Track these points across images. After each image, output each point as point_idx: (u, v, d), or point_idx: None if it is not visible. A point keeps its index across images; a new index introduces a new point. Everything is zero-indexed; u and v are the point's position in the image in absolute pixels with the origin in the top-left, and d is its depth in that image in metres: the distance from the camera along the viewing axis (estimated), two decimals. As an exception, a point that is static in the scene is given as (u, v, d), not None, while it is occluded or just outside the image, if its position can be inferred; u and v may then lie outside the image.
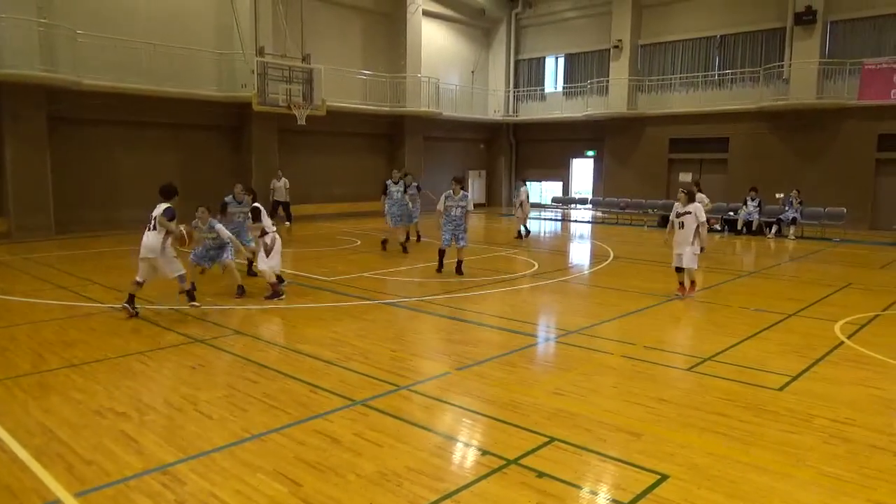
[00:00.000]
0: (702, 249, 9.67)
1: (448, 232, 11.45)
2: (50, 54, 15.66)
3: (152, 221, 8.08)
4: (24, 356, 6.46)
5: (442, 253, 11.64)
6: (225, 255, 9.62)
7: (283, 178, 18.42)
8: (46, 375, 5.90)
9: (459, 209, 11.40)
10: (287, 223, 17.99)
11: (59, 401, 5.26)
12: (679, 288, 9.83)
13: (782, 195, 18.86)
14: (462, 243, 11.44)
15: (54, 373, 5.98)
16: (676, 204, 9.78)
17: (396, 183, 14.37)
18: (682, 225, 9.58)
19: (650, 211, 21.95)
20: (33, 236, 15.53)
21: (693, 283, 9.85)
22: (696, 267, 9.69)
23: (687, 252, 9.47)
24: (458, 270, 11.43)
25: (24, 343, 6.93)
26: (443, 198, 11.55)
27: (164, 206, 8.06)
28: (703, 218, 9.60)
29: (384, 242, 14.56)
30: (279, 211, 18.20)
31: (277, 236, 9.42)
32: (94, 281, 10.51)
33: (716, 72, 23.41)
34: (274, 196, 18.46)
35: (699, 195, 13.22)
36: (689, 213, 9.52)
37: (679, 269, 9.72)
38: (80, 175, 17.29)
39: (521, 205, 17.50)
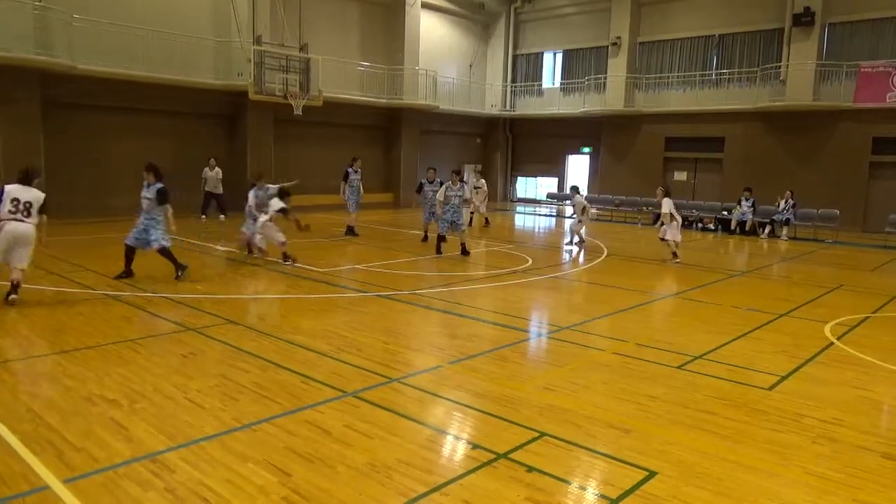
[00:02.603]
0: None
1: (447, 220, 12.74)
2: (45, 38, 15.52)
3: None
4: (15, 341, 6.43)
5: (442, 238, 12.90)
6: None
7: (217, 168, 17.91)
8: (37, 361, 5.88)
9: (457, 198, 12.76)
10: (222, 216, 17.43)
11: (50, 387, 5.25)
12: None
13: (783, 201, 18.67)
14: (462, 227, 12.94)
15: (44, 359, 5.96)
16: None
17: (432, 182, 14.37)
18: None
19: (644, 209, 22.00)
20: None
21: (673, 253, 13.43)
22: (664, 239, 13.36)
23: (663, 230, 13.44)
24: (464, 252, 12.88)
25: (14, 328, 6.90)
26: (443, 189, 12.78)
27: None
28: (664, 210, 13.21)
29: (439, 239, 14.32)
30: (212, 203, 17.73)
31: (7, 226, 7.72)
32: (85, 267, 10.45)
33: (713, 71, 23.44)
34: (205, 186, 17.70)
35: (576, 196, 15.44)
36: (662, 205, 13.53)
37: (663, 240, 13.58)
38: (74, 161, 17.18)
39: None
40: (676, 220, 13.20)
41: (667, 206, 13.15)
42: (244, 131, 20.25)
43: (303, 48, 18.75)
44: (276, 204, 11.31)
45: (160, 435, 4.40)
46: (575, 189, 15.76)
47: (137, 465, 3.98)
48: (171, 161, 19.17)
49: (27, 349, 6.22)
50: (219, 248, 13.02)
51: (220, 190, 17.89)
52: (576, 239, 15.24)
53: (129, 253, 9.47)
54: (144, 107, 18.28)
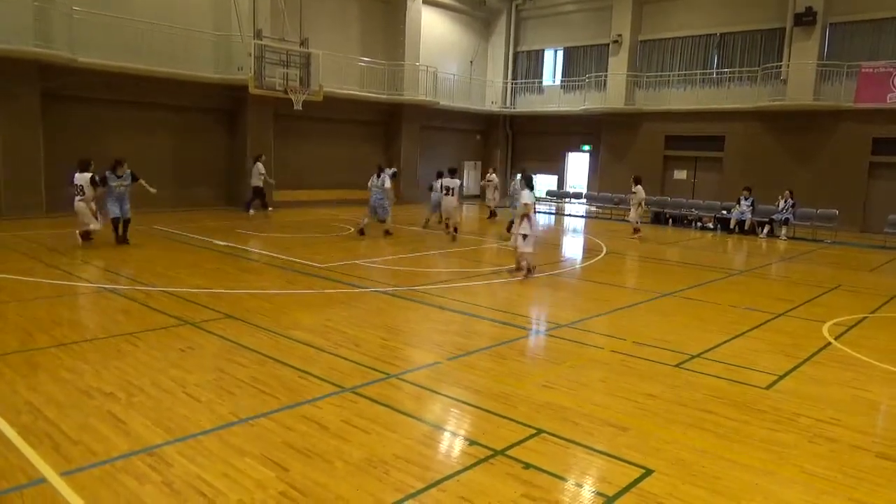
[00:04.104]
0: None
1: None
2: (45, 30, 15.47)
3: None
4: (13, 334, 6.43)
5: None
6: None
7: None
8: (35, 354, 5.87)
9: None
10: (252, 211, 18.32)
11: (47, 379, 5.24)
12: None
13: (782, 201, 18.62)
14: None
15: (42, 351, 5.96)
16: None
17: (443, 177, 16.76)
18: (630, 199, 17.54)
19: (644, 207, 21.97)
20: (24, 214, 15.40)
21: (636, 230, 16.90)
22: (634, 223, 17.02)
23: (631, 214, 17.21)
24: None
25: (12, 321, 6.89)
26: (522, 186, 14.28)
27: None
28: (643, 195, 17.14)
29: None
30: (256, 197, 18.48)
31: None
32: (84, 261, 10.45)
33: (714, 70, 23.41)
34: (255, 181, 18.31)
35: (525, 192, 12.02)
36: (634, 192, 17.09)
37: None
38: (73, 154, 16.91)
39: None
40: (642, 207, 17.47)
41: (643, 192, 17.02)
42: (244, 126, 20.20)
43: (303, 43, 18.69)
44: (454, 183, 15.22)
45: (157, 428, 4.41)
46: (527, 180, 10.94)
47: (135, 458, 3.99)
48: (171, 155, 19.20)
49: (25, 342, 6.21)
50: (221, 242, 13.00)
51: (261, 183, 18.39)
52: (521, 244, 10.46)
53: (118, 223, 12.12)
54: (144, 100, 18.23)
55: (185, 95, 18.85)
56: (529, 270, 10.60)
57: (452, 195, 15.06)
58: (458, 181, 15.28)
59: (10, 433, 4.24)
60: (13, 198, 15.60)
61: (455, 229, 14.94)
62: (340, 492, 3.69)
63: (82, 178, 11.64)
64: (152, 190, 12.41)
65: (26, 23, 15.02)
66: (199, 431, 4.39)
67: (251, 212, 18.16)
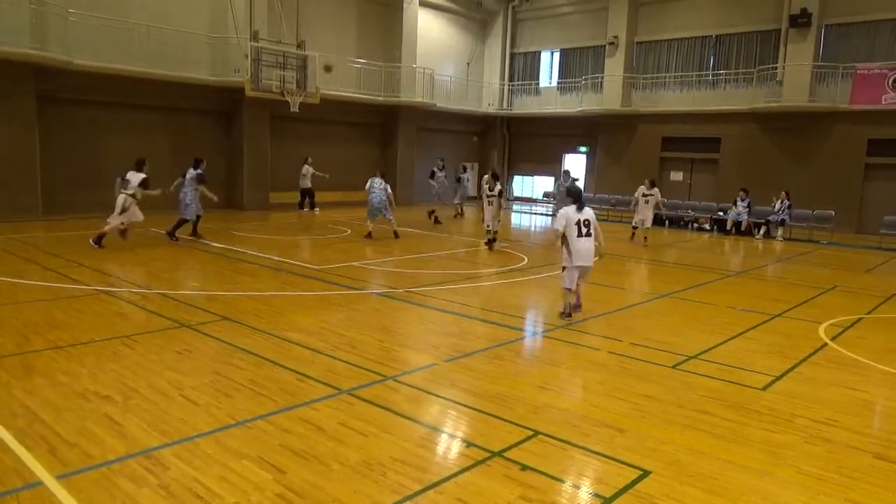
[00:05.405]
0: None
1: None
2: (41, 33, 15.44)
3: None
4: (8, 337, 6.40)
5: None
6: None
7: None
8: (30, 357, 5.85)
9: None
10: (305, 210, 20.17)
11: (43, 382, 5.23)
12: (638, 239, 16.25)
13: (779, 202, 18.64)
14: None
15: (38, 354, 5.94)
16: (641, 187, 16.29)
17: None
18: (647, 201, 16.14)
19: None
20: (20, 216, 15.33)
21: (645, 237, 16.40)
22: (645, 226, 16.29)
23: (648, 217, 16.15)
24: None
25: (8, 324, 6.87)
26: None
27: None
28: (660, 198, 16.67)
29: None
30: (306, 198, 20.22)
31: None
32: (80, 263, 10.42)
33: (710, 71, 23.47)
34: (304, 183, 19.88)
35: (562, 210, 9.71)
36: (653, 194, 16.14)
37: (635, 228, 16.45)
38: (69, 156, 17.10)
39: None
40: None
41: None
42: (240, 128, 20.19)
43: (300, 45, 18.69)
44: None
45: (154, 431, 4.40)
46: (574, 194, 8.61)
47: (131, 461, 3.97)
48: (168, 157, 19.14)
49: (21, 345, 6.19)
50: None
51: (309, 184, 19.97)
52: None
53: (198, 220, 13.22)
54: (141, 102, 18.20)
55: (181, 98, 18.82)
56: (569, 313, 8.02)
57: (492, 204, 14.07)
58: (498, 187, 14.33)
59: (6, 436, 4.22)
60: (9, 200, 15.54)
61: (494, 239, 14.20)
62: (337, 494, 3.69)
63: (136, 176, 11.89)
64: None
65: (22, 25, 14.98)
66: (195, 434, 4.38)
67: (304, 210, 19.83)
